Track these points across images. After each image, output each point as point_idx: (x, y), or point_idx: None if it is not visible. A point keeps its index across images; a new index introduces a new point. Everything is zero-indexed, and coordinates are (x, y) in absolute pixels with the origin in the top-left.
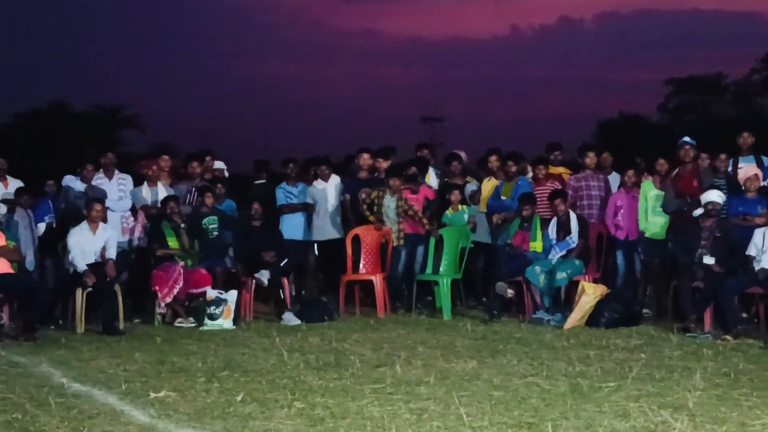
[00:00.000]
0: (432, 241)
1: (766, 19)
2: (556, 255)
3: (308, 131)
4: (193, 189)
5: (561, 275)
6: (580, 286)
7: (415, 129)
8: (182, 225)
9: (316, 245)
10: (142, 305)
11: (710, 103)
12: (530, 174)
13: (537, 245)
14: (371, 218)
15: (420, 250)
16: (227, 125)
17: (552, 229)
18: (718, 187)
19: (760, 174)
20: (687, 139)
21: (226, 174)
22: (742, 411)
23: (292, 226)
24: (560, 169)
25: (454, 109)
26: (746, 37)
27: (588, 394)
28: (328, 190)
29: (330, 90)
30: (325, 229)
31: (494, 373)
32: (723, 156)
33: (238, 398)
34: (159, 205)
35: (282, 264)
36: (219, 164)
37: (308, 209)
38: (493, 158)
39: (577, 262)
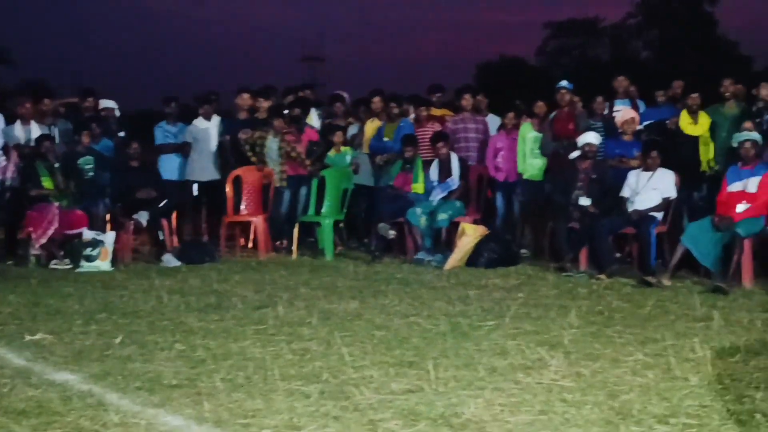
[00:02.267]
0: (314, 182)
1: None
2: (437, 196)
3: (186, 69)
4: (50, 126)
5: (442, 216)
6: (460, 227)
7: (296, 69)
8: (56, 164)
9: (196, 185)
10: (15, 246)
11: (587, 46)
12: (412, 116)
13: (418, 187)
14: (253, 159)
15: (302, 191)
16: (102, 61)
17: (433, 171)
18: (594, 130)
19: (636, 117)
20: (563, 83)
21: (117, 113)
22: (615, 347)
23: (170, 167)
24: (442, 111)
25: (335, 49)
26: None
27: (467, 332)
28: (210, 129)
29: (208, 28)
30: (206, 169)
31: (376, 313)
32: (599, 99)
33: (117, 341)
34: (33, 144)
35: (161, 205)
36: (109, 103)
37: (184, 149)
38: (376, 100)
39: (457, 203)
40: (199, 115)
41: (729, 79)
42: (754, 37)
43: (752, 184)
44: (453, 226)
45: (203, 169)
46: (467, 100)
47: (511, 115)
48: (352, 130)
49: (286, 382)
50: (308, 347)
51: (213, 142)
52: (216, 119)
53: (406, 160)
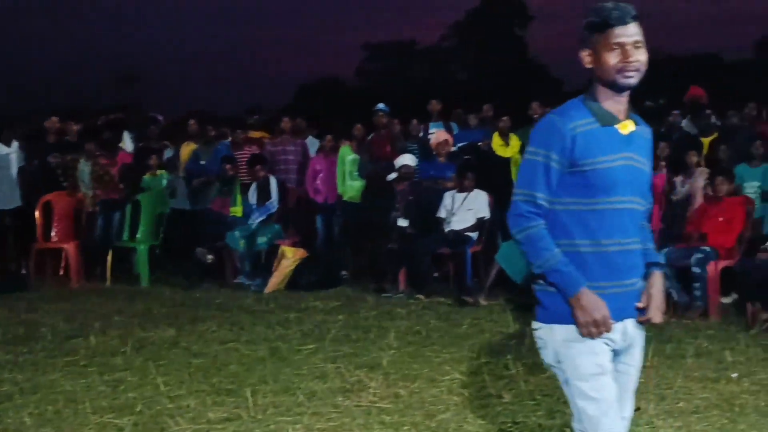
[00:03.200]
0: (128, 206)
1: None
2: (256, 220)
3: None
4: None
5: (261, 239)
6: (279, 250)
7: (110, 90)
8: None
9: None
10: None
11: (405, 68)
12: (229, 138)
13: (237, 210)
14: (64, 184)
15: (116, 216)
16: None
17: (252, 194)
18: (410, 152)
19: (450, 139)
20: (381, 106)
21: None
22: (432, 367)
23: None
24: (259, 134)
25: (150, 69)
26: (437, 4)
27: (287, 357)
28: (11, 155)
29: (17, 47)
30: (8, 197)
31: (193, 340)
32: (415, 121)
33: None
34: None
35: None
36: None
37: None
38: (192, 122)
39: (276, 226)
40: None
41: (536, 101)
42: (563, 59)
43: None
44: (272, 249)
45: (4, 196)
46: (286, 123)
47: (329, 137)
48: (168, 153)
49: (98, 415)
50: (122, 378)
51: (14, 169)
52: (15, 144)
53: (223, 183)
